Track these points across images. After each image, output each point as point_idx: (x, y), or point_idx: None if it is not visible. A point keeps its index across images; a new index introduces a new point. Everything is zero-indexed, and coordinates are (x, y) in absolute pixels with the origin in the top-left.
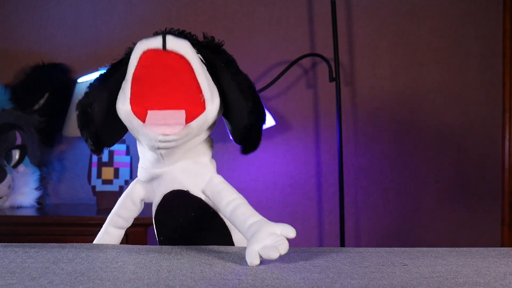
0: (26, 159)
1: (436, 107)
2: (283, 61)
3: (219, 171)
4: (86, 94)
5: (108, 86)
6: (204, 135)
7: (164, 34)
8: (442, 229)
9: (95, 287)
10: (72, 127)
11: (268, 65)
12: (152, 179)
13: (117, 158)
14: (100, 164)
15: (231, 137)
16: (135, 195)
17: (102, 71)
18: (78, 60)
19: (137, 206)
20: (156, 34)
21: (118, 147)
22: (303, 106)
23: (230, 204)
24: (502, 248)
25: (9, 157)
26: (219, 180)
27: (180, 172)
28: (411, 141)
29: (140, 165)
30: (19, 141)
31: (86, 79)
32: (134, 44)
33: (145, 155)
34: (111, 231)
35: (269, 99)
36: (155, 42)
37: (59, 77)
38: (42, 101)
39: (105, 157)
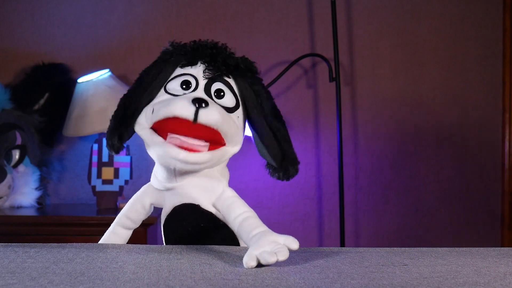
0: (26, 159)
1: (436, 107)
2: (283, 61)
3: None
4: (111, 125)
5: (133, 114)
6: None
7: (197, 107)
8: (442, 229)
9: (95, 287)
10: (72, 127)
11: (268, 65)
12: (165, 190)
13: (117, 158)
14: (100, 164)
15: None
16: (145, 200)
17: (124, 93)
18: (78, 60)
19: (146, 210)
20: (193, 49)
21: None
22: (303, 106)
23: (239, 217)
24: (502, 248)
25: (9, 157)
26: (230, 194)
27: (192, 187)
28: (411, 141)
29: (153, 172)
30: (19, 141)
31: (86, 79)
32: (165, 50)
33: (158, 167)
34: (118, 231)
35: None
36: (186, 113)
37: (59, 77)
38: (42, 101)
39: (105, 157)
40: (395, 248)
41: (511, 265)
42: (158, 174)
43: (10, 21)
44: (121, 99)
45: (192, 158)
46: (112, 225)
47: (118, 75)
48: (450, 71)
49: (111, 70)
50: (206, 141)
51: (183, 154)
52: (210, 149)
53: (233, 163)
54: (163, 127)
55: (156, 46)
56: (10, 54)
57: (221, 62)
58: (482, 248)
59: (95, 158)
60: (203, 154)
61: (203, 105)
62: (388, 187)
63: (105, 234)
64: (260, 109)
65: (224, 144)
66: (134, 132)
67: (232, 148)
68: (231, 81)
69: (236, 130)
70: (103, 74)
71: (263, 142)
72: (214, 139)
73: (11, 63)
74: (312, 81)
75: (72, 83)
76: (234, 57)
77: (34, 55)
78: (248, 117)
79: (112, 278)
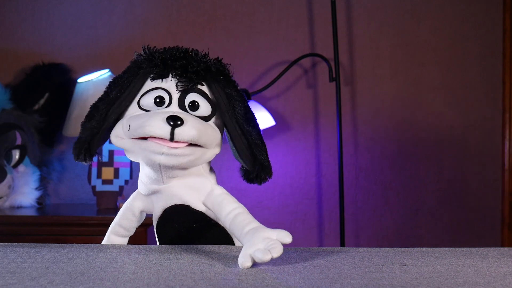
0: (26, 159)
1: (436, 107)
2: (283, 61)
3: (219, 171)
4: (81, 136)
5: (105, 121)
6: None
7: (173, 127)
8: (442, 229)
9: (95, 287)
10: (72, 127)
11: (268, 65)
12: (152, 193)
13: (117, 158)
14: (100, 164)
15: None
16: (135, 207)
17: (102, 97)
18: (78, 60)
19: (137, 217)
20: (162, 61)
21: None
22: (303, 106)
23: (230, 213)
24: (502, 248)
25: (9, 157)
26: (219, 191)
27: (179, 188)
28: (411, 141)
29: (140, 178)
30: (19, 141)
31: (86, 79)
32: (138, 54)
33: (144, 170)
34: (114, 240)
35: (269, 99)
36: (162, 133)
37: (59, 77)
38: (42, 101)
39: (105, 157)
40: (395, 248)
41: (511, 265)
42: (144, 178)
43: (10, 21)
44: (90, 109)
45: (175, 150)
46: (107, 233)
47: None
48: (450, 71)
49: (111, 70)
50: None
51: (166, 148)
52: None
53: (233, 163)
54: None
55: (156, 46)
56: (10, 54)
57: (193, 72)
58: (482, 248)
59: (95, 158)
60: (185, 149)
61: (179, 122)
62: (388, 187)
63: (101, 243)
64: (232, 113)
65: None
66: (103, 142)
67: (212, 150)
68: (204, 88)
69: (215, 135)
70: (103, 74)
71: (235, 145)
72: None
73: (11, 63)
74: (312, 81)
75: (72, 83)
76: (205, 61)
77: (34, 55)
78: (222, 119)
79: (112, 278)
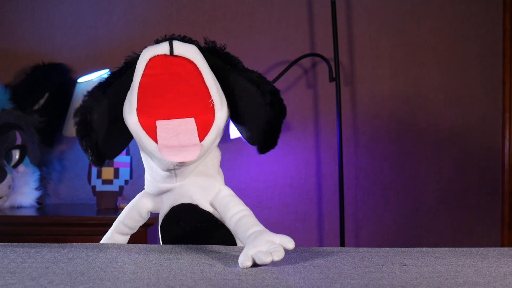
0: (26, 159)
1: (436, 107)
2: (283, 61)
3: None
4: (84, 101)
5: (108, 94)
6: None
7: (170, 40)
8: (442, 229)
9: (95, 287)
10: (72, 127)
11: (268, 65)
12: (162, 193)
13: (117, 158)
14: None
15: (244, 139)
16: (142, 208)
17: (101, 79)
18: (78, 60)
19: (143, 217)
20: (158, 41)
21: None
22: (303, 106)
23: (235, 215)
24: (502, 248)
25: (9, 157)
26: (227, 192)
27: (190, 186)
28: (411, 141)
29: (147, 177)
30: (19, 141)
31: (86, 79)
32: (134, 52)
33: (154, 170)
34: (116, 238)
35: None
36: (162, 48)
37: (59, 77)
38: (42, 101)
39: None
40: (395, 248)
41: (511, 265)
42: (156, 176)
43: (10, 21)
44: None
45: (188, 157)
46: (109, 231)
47: None
48: (450, 71)
49: (111, 70)
50: (193, 99)
51: (178, 158)
52: (197, 124)
53: (233, 163)
54: (148, 111)
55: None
56: (10, 54)
57: (185, 40)
58: (482, 248)
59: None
60: (196, 149)
61: (178, 38)
62: (388, 187)
63: (102, 240)
64: (231, 69)
65: (212, 111)
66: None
67: (221, 114)
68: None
69: (218, 85)
70: (103, 74)
71: (243, 99)
72: (197, 84)
73: (11, 63)
74: (312, 81)
75: (72, 83)
76: (193, 40)
77: (34, 55)
78: (226, 90)
79: (112, 278)
